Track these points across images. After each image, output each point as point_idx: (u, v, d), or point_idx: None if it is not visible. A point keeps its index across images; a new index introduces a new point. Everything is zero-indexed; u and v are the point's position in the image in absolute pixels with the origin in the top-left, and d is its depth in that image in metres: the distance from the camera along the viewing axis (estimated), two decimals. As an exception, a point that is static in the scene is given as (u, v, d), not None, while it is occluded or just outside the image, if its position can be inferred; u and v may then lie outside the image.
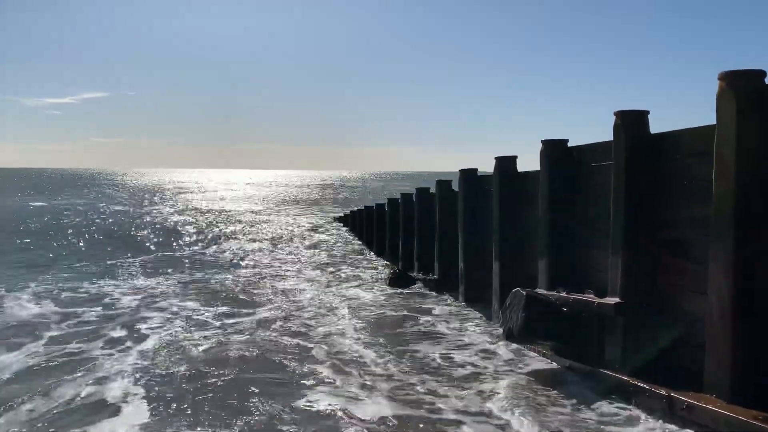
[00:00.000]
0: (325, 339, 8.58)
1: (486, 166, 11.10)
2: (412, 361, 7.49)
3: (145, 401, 6.13)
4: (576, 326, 6.85)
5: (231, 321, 9.81)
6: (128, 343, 8.40)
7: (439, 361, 7.54)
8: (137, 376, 6.93)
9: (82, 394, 6.34)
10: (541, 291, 7.38)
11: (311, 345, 8.26)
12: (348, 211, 27.58)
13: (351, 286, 13.02)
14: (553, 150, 7.75)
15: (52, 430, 5.49)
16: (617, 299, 6.19)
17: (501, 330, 7.40)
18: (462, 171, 10.97)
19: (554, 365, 7.14)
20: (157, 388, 6.51)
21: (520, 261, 8.94)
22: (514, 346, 7.74)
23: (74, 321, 9.80)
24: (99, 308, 10.76)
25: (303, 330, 9.16)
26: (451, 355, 7.76)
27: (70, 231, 25.04)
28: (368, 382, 6.66)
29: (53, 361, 7.60)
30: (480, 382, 6.70)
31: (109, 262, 16.58)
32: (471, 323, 9.49)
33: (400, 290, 12.28)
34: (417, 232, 13.88)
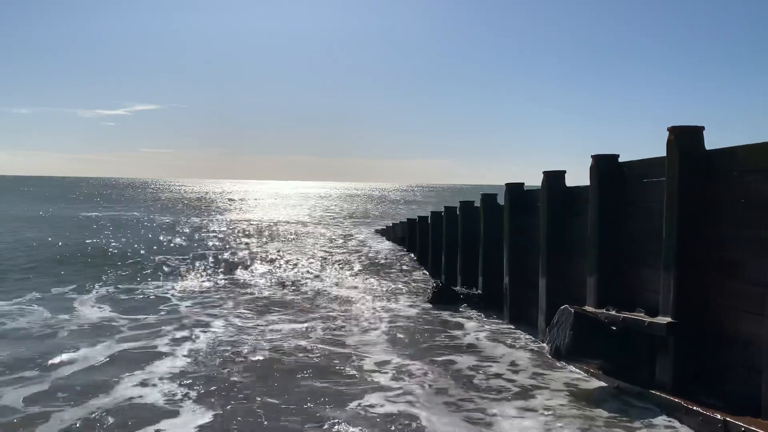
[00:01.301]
0: (365, 351, 8.64)
1: (530, 179, 11.06)
2: (457, 379, 7.45)
3: (201, 402, 6.50)
4: (625, 346, 6.74)
5: (276, 327, 10.19)
6: (186, 344, 8.95)
7: (485, 378, 7.49)
8: (191, 376, 7.36)
9: (142, 393, 6.75)
10: (589, 309, 7.29)
11: (354, 357, 8.33)
12: (390, 224, 27.60)
13: (393, 301, 13.03)
14: (604, 165, 7.65)
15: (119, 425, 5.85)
16: (669, 319, 6.07)
17: (548, 347, 7.32)
18: (508, 185, 10.92)
19: (603, 384, 7.02)
20: (211, 389, 6.89)
21: (568, 278, 8.84)
22: (562, 364, 7.65)
23: (136, 323, 10.46)
24: (158, 311, 11.52)
25: (345, 341, 9.27)
26: (496, 371, 7.72)
27: (135, 238, 25.82)
28: (414, 397, 6.67)
29: (117, 360, 8.12)
30: (526, 400, 6.64)
31: (166, 267, 17.02)
32: (516, 340, 9.42)
33: (442, 305, 12.22)
34: (460, 246, 13.81)
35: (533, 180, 11.00)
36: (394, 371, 7.69)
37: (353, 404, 6.45)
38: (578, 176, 8.65)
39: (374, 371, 7.66)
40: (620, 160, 7.63)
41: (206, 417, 6.05)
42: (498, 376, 7.56)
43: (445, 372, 7.68)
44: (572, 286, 8.54)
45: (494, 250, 11.64)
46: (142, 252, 20.13)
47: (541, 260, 9.31)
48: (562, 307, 7.07)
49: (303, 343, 9.11)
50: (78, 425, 5.84)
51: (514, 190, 10.80)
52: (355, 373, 7.60)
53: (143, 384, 7.04)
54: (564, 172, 9.31)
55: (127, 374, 7.34)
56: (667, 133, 6.22)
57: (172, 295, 13.23)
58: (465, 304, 12.28)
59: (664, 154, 6.34)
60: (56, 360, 7.98)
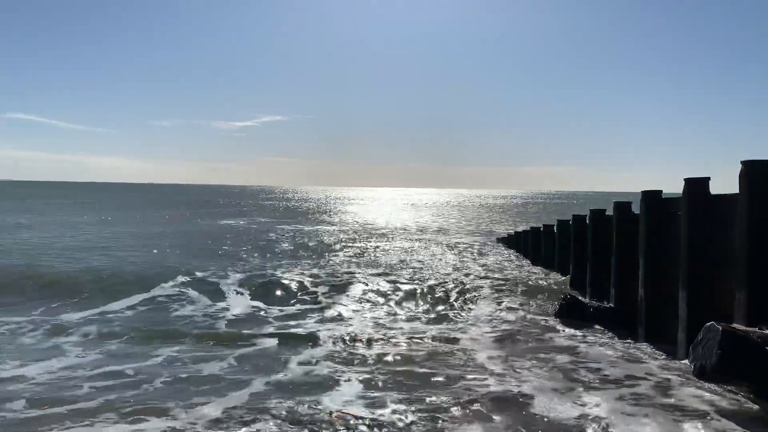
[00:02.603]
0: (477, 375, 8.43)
1: (666, 186, 10.47)
2: (600, 396, 7.09)
3: (355, 379, 7.86)
4: (782, 369, 6.17)
5: (399, 325, 11.17)
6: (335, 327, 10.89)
7: (625, 396, 7.14)
8: (343, 357, 9.04)
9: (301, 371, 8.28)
10: (739, 327, 6.75)
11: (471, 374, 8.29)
12: (513, 232, 27.11)
13: (518, 312, 12.80)
14: (757, 172, 7.07)
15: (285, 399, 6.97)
16: (836, 341, 5.49)
17: (691, 366, 6.87)
18: (645, 192, 10.35)
19: (754, 408, 6.46)
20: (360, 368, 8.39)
21: (711, 291, 8.22)
22: (706, 384, 7.13)
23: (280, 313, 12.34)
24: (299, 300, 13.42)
25: (459, 352, 9.31)
26: (636, 392, 7.32)
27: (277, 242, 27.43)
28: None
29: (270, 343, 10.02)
30: (676, 423, 6.23)
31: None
32: (653, 358, 8.90)
33: (570, 318, 11.80)
34: (590, 257, 13.27)
35: (653, 187, 10.41)
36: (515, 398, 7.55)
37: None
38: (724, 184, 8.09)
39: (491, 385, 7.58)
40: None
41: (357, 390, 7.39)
42: (637, 397, 7.14)
43: (578, 397, 7.32)
44: (718, 301, 7.93)
45: (628, 262, 11.06)
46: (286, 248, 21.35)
47: (682, 272, 8.73)
48: (708, 324, 6.61)
49: (419, 337, 9.79)
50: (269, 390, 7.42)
51: (652, 197, 10.22)
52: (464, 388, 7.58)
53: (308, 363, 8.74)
54: (708, 179, 8.69)
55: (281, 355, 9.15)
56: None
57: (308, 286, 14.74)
58: (595, 318, 11.75)
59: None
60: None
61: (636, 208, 10.87)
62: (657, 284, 9.91)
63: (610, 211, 12.41)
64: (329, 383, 7.72)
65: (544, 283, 16.37)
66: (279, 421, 6.27)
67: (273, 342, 10.12)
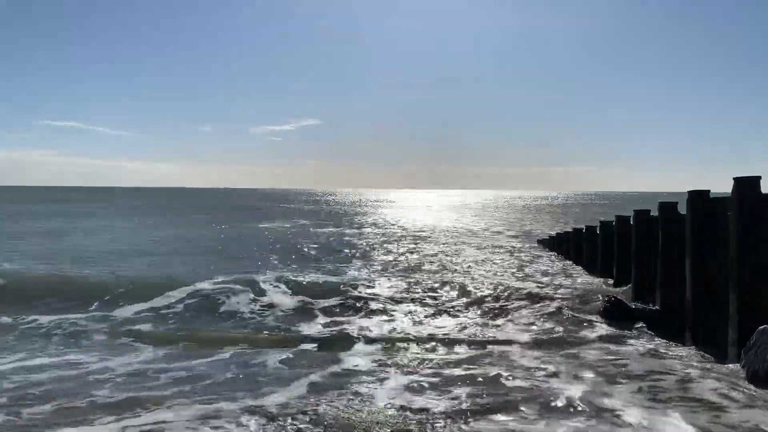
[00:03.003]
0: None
1: (714, 187, 10.17)
2: (643, 407, 6.81)
3: (400, 374, 8.31)
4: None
5: (441, 322, 11.42)
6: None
7: (673, 400, 6.93)
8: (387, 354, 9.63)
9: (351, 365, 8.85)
10: (795, 330, 6.52)
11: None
12: (554, 233, 26.70)
13: (562, 314, 12.61)
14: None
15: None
16: None
17: (743, 371, 6.66)
18: (691, 193, 10.07)
19: (813, 416, 6.21)
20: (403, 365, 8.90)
21: (764, 294, 7.94)
22: (760, 390, 6.88)
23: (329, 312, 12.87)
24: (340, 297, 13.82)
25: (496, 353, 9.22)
26: (686, 395, 7.11)
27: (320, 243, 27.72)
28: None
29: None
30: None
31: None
32: (702, 361, 8.63)
33: (614, 320, 11.59)
34: (634, 258, 13.00)
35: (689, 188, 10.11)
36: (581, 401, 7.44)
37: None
38: None
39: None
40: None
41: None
42: (688, 402, 6.91)
43: (632, 396, 7.13)
44: (771, 304, 7.66)
45: (674, 263, 10.78)
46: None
47: (732, 274, 8.45)
48: (762, 327, 6.40)
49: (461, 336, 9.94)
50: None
51: (699, 198, 9.93)
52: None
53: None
54: (759, 178, 8.40)
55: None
56: None
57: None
58: (640, 321, 11.50)
59: None
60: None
61: (682, 209, 10.60)
62: (704, 286, 9.64)
63: (654, 212, 12.14)
64: (376, 378, 8.11)
65: (587, 284, 16.08)
66: (335, 409, 6.68)
67: (324, 338, 10.75)
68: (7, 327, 11.48)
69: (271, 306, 13.25)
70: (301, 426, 6.23)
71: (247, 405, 6.92)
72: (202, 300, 13.52)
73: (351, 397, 7.18)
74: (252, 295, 13.89)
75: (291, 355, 9.45)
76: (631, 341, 10.28)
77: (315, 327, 11.79)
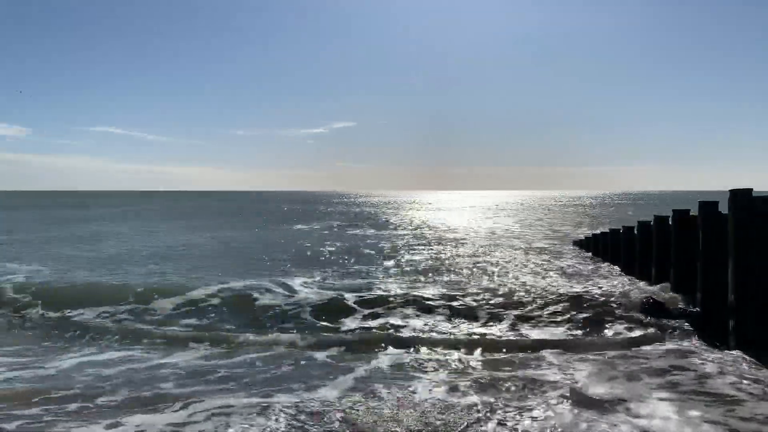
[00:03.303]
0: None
1: (757, 185, 10.13)
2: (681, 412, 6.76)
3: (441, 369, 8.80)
4: None
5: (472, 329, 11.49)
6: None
7: (714, 404, 6.99)
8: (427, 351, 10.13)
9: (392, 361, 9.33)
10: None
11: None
12: (590, 234, 26.54)
13: (599, 315, 12.67)
14: None
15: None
16: None
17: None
18: (733, 192, 10.08)
19: None
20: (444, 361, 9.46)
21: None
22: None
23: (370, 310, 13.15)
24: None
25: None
26: (727, 399, 7.19)
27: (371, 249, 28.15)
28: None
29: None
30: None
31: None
32: (744, 363, 8.59)
33: (653, 323, 11.60)
34: (674, 259, 13.00)
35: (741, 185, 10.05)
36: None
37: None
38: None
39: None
40: None
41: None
42: (726, 402, 7.03)
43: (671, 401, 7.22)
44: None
45: (716, 264, 10.78)
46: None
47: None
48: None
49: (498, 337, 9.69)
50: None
51: (742, 197, 9.91)
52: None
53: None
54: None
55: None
56: None
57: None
58: (680, 322, 11.51)
59: None
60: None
61: (723, 208, 10.61)
62: (750, 290, 9.61)
63: (695, 211, 12.14)
64: (416, 373, 8.57)
65: (625, 286, 16.08)
66: (379, 402, 7.16)
67: (363, 338, 11.14)
68: (68, 326, 12.20)
69: (308, 306, 13.51)
70: (348, 419, 6.57)
71: (301, 398, 7.39)
72: (242, 300, 13.95)
73: (390, 397, 7.46)
74: (289, 296, 14.26)
75: (335, 353, 9.95)
76: (671, 344, 10.31)
77: (352, 326, 12.09)
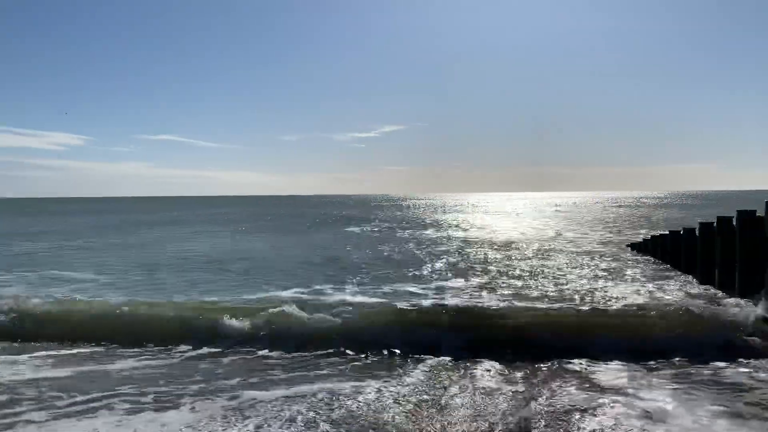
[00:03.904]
0: None
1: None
2: None
3: None
4: None
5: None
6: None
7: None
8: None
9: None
10: None
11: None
12: (649, 236, 25.80)
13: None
14: None
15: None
16: None
17: None
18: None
19: None
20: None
21: None
22: None
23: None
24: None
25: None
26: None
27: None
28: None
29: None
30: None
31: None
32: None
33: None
34: (739, 261, 12.54)
35: None
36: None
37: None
38: None
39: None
40: None
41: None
42: None
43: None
44: None
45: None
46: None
47: None
48: None
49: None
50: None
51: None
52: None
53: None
54: None
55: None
56: None
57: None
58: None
59: None
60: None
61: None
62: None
63: (760, 212, 11.73)
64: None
65: (686, 289, 15.59)
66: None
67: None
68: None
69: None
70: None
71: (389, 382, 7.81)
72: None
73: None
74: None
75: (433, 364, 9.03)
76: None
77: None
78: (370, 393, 7.55)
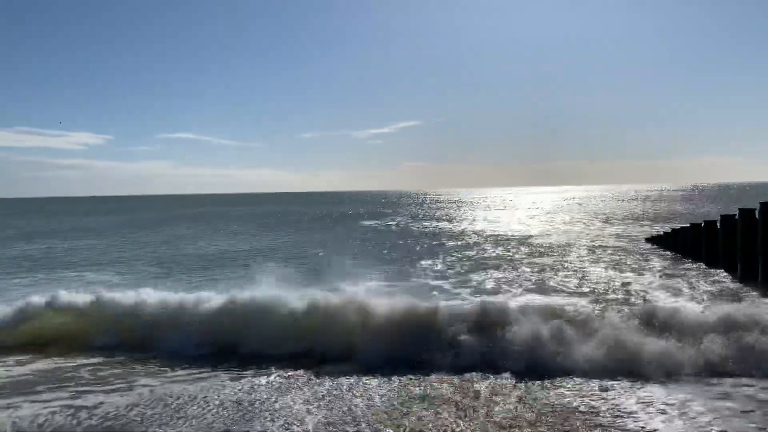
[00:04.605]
0: None
1: None
2: None
3: None
4: None
5: None
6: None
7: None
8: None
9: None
10: None
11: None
12: (669, 229, 25.44)
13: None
14: None
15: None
16: None
17: None
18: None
19: None
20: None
21: None
22: None
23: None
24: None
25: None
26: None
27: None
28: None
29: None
30: None
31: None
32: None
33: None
34: (762, 254, 12.41)
35: None
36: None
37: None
38: None
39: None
40: None
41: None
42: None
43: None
44: None
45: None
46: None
47: None
48: None
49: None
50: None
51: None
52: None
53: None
54: None
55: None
56: None
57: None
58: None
59: None
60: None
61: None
62: None
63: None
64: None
65: (709, 284, 15.33)
66: None
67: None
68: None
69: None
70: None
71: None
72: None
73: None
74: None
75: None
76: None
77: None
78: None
